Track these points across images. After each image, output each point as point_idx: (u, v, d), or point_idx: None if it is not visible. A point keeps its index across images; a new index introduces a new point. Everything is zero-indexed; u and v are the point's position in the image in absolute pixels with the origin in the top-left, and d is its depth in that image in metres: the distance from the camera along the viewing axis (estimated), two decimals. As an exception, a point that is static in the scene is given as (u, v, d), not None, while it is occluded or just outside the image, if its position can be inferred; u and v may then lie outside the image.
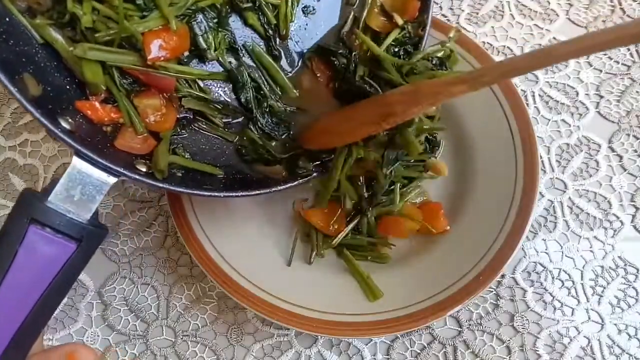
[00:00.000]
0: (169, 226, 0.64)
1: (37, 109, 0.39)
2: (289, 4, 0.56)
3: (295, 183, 0.52)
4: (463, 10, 0.77)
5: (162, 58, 0.47)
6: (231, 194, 0.49)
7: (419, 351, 0.57)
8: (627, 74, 0.71)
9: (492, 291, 0.59)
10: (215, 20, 0.52)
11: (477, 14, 0.77)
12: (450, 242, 0.58)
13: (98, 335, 0.59)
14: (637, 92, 0.69)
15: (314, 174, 0.53)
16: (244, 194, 0.49)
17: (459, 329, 0.58)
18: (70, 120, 0.44)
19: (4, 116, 0.71)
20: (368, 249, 0.58)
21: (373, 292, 0.55)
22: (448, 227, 0.58)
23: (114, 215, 0.65)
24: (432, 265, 0.56)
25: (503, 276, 0.60)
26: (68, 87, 0.47)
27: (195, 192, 0.47)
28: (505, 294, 0.59)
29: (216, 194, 0.48)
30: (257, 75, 0.55)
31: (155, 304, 0.60)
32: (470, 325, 0.58)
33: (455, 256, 0.56)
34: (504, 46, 0.74)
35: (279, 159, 0.54)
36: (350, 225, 0.58)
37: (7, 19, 0.44)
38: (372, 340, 0.57)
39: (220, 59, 0.53)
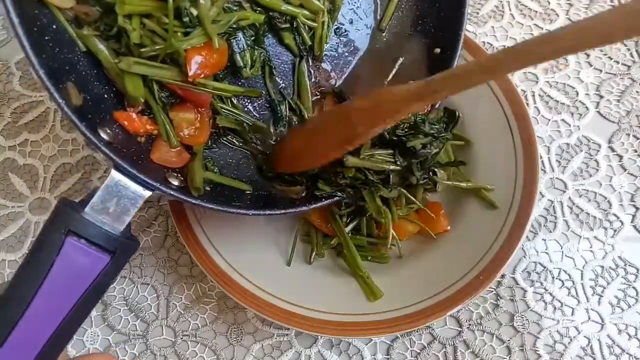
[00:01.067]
0: (169, 226, 0.64)
1: (82, 120, 0.39)
2: (325, 26, 0.56)
3: (320, 204, 0.52)
4: (463, 10, 0.77)
5: (202, 75, 0.48)
6: (259, 212, 0.49)
7: (419, 351, 0.57)
8: (627, 74, 0.71)
9: (492, 291, 0.59)
10: (252, 39, 0.52)
11: (477, 14, 0.77)
12: (450, 242, 0.58)
13: (98, 335, 0.59)
14: (637, 92, 0.69)
15: (336, 198, 0.52)
16: (270, 212, 0.49)
17: (459, 329, 0.58)
18: (108, 130, 0.44)
19: (4, 116, 0.71)
20: (368, 249, 0.58)
21: (373, 292, 0.55)
22: (448, 227, 0.58)
23: (114, 215, 0.65)
24: (432, 265, 0.56)
25: (503, 276, 0.60)
26: (106, 96, 0.47)
27: (226, 209, 0.47)
28: (505, 294, 0.59)
29: (244, 211, 0.48)
30: (290, 100, 0.56)
31: (155, 304, 0.60)
32: (470, 325, 0.58)
33: (455, 256, 0.56)
34: (504, 46, 0.74)
35: (299, 180, 0.54)
36: (351, 226, 0.58)
37: (54, 26, 0.44)
38: (372, 340, 0.57)
39: (260, 82, 0.54)
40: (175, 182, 0.47)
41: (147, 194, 0.42)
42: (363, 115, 0.45)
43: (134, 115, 0.48)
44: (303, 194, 0.53)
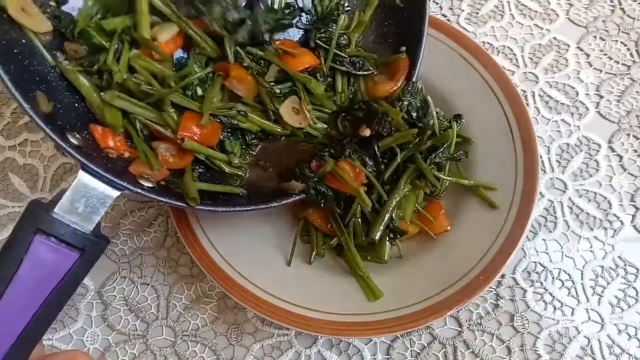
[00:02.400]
0: (169, 226, 0.64)
1: (48, 124, 0.41)
2: None
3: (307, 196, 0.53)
4: (463, 10, 0.77)
5: (189, 138, 0.50)
6: (245, 209, 0.51)
7: (419, 351, 0.57)
8: (627, 74, 0.71)
9: (492, 291, 0.59)
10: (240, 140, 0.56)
11: (477, 13, 0.77)
12: (450, 242, 0.58)
13: (98, 335, 0.59)
14: (637, 92, 0.69)
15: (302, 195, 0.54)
16: (261, 206, 0.51)
17: (459, 329, 0.58)
18: (77, 136, 0.46)
19: (4, 116, 0.71)
20: (368, 249, 0.58)
21: (373, 292, 0.55)
22: (448, 227, 0.58)
23: (114, 215, 0.65)
24: (432, 265, 0.56)
25: (503, 276, 0.60)
26: (77, 105, 0.49)
27: (215, 208, 0.49)
28: (505, 294, 0.59)
29: (231, 208, 0.50)
30: None
31: (155, 304, 0.60)
32: (470, 325, 0.58)
33: (455, 256, 0.56)
34: (504, 46, 0.74)
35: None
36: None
37: (23, 41, 0.46)
38: (372, 340, 0.57)
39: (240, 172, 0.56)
40: (148, 184, 0.48)
41: (116, 193, 0.43)
42: None
43: (109, 133, 0.49)
44: (300, 188, 0.54)
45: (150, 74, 0.49)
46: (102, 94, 0.48)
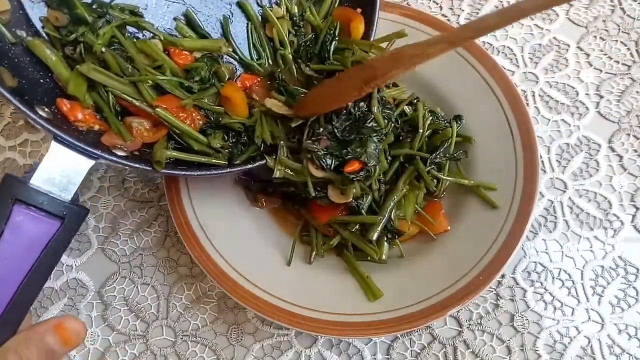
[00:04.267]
0: (169, 226, 0.64)
1: (15, 97, 0.41)
2: None
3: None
4: (463, 10, 0.77)
5: (167, 109, 0.50)
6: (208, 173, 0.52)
7: (419, 351, 0.57)
8: (627, 73, 0.71)
9: (492, 291, 0.59)
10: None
11: (477, 13, 0.77)
12: (450, 242, 0.58)
13: (98, 336, 0.59)
14: (637, 92, 0.69)
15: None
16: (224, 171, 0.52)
17: (459, 329, 0.58)
18: (46, 109, 0.46)
19: (4, 116, 0.71)
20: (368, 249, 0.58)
21: (373, 292, 0.55)
22: (448, 227, 0.58)
23: (114, 215, 0.65)
24: (432, 265, 0.56)
25: (503, 276, 0.60)
26: (42, 80, 0.49)
27: (177, 172, 0.51)
28: (505, 294, 0.59)
29: (197, 173, 0.51)
30: None
31: (155, 304, 0.60)
32: (470, 325, 0.58)
33: (455, 256, 0.56)
34: (504, 46, 0.74)
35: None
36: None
37: None
38: (372, 340, 0.57)
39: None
40: (121, 154, 0.48)
41: (90, 162, 0.44)
42: (384, 61, 0.49)
43: (78, 107, 0.49)
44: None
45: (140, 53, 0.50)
46: (78, 66, 0.48)
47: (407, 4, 0.77)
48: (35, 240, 0.43)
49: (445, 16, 0.76)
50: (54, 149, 0.43)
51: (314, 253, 0.58)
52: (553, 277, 0.59)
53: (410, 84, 0.65)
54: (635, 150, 0.66)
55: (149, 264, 0.62)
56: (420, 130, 0.58)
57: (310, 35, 0.59)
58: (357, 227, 0.57)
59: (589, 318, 0.58)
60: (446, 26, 0.66)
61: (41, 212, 0.42)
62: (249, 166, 0.53)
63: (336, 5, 0.61)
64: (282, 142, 0.54)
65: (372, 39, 0.58)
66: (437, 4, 0.78)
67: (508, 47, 0.74)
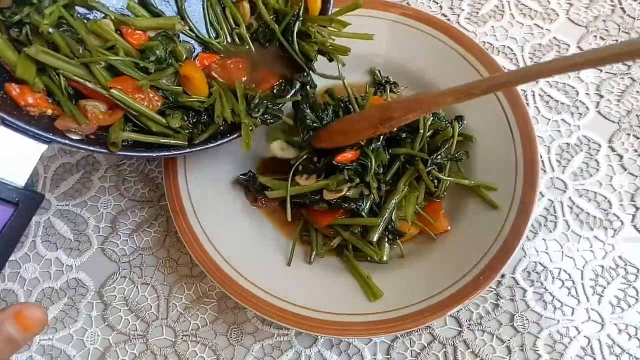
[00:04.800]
0: (169, 226, 0.64)
1: None
2: None
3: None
4: (463, 10, 0.77)
5: (122, 90, 0.49)
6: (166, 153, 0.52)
7: (419, 351, 0.57)
8: (627, 73, 0.71)
9: (492, 291, 0.59)
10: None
11: (477, 13, 0.76)
12: (450, 242, 0.58)
13: (98, 335, 0.59)
14: (637, 91, 0.69)
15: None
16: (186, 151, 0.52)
17: (459, 329, 0.58)
18: None
19: (4, 116, 0.71)
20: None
21: (373, 292, 0.55)
22: (448, 228, 0.58)
23: (113, 214, 0.65)
24: (432, 265, 0.56)
25: (503, 276, 0.60)
26: None
27: (134, 153, 0.50)
28: (505, 294, 0.59)
29: (147, 154, 0.51)
30: None
31: (155, 304, 0.60)
32: (470, 325, 0.58)
33: (455, 256, 0.56)
34: (504, 46, 0.74)
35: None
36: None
37: None
38: (372, 340, 0.57)
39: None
40: (76, 137, 0.48)
41: (43, 147, 0.44)
42: (402, 104, 0.52)
43: (28, 91, 0.48)
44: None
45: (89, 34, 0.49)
46: (25, 49, 0.47)
47: (407, 3, 0.77)
48: None
49: (445, 16, 0.76)
50: (4, 135, 0.43)
51: (314, 253, 0.58)
52: (553, 277, 0.59)
53: (411, 84, 0.65)
54: (635, 150, 0.66)
55: (149, 263, 0.62)
56: (421, 131, 0.58)
57: (272, 17, 0.58)
58: (358, 228, 0.57)
59: (589, 318, 0.58)
60: (446, 26, 0.66)
61: None
62: (210, 145, 0.53)
63: None
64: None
65: (330, 12, 0.57)
66: (437, 3, 0.77)
67: (508, 47, 0.74)
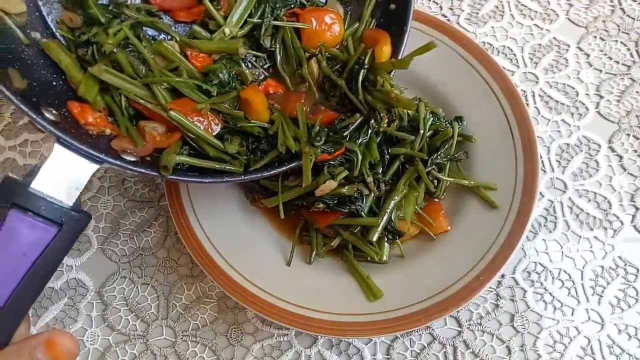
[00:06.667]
0: (169, 226, 0.64)
1: (17, 97, 0.40)
2: None
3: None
4: (463, 10, 0.77)
5: (181, 112, 0.49)
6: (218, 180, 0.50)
7: (419, 351, 0.57)
8: (627, 74, 0.71)
9: (492, 291, 0.59)
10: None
11: (477, 14, 0.77)
12: (450, 242, 0.58)
13: (98, 335, 0.59)
14: (637, 92, 0.69)
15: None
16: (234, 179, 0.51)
17: (459, 329, 0.58)
18: (54, 112, 0.45)
19: (4, 116, 0.71)
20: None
21: (373, 292, 0.55)
22: (448, 228, 0.58)
23: (114, 215, 0.65)
24: (432, 265, 0.56)
25: (503, 276, 0.60)
26: (55, 83, 0.48)
27: (185, 178, 0.49)
28: (505, 294, 0.59)
29: (209, 180, 0.49)
30: None
31: (155, 304, 0.60)
32: (470, 325, 0.58)
33: (455, 256, 0.56)
34: (504, 46, 0.74)
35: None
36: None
37: None
38: (372, 340, 0.57)
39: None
40: (131, 159, 0.47)
41: (95, 167, 0.43)
42: None
43: (89, 109, 0.48)
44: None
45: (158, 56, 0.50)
46: (89, 68, 0.47)
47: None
48: (31, 246, 0.41)
49: (445, 16, 0.76)
50: (57, 152, 0.42)
51: (314, 253, 0.58)
52: (553, 277, 0.59)
53: (412, 85, 0.65)
54: (635, 150, 0.66)
55: (149, 264, 0.62)
56: (421, 131, 0.58)
57: (337, 66, 0.56)
58: (358, 228, 0.57)
59: (589, 318, 0.58)
60: (446, 26, 0.66)
61: (38, 218, 0.41)
62: (266, 174, 0.51)
63: (370, 26, 0.57)
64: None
65: (400, 57, 0.54)
66: (437, 4, 0.78)
67: (508, 47, 0.74)
